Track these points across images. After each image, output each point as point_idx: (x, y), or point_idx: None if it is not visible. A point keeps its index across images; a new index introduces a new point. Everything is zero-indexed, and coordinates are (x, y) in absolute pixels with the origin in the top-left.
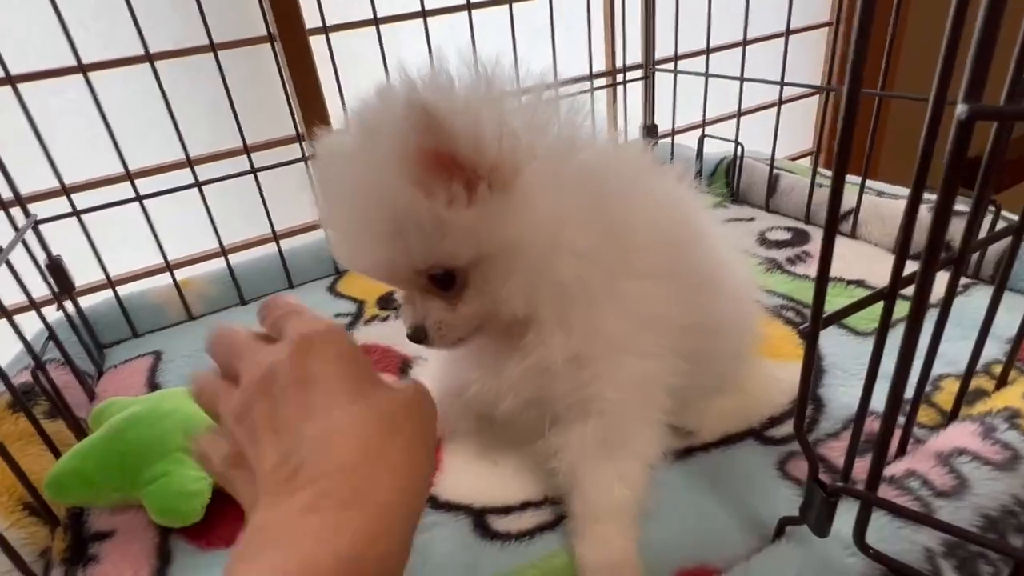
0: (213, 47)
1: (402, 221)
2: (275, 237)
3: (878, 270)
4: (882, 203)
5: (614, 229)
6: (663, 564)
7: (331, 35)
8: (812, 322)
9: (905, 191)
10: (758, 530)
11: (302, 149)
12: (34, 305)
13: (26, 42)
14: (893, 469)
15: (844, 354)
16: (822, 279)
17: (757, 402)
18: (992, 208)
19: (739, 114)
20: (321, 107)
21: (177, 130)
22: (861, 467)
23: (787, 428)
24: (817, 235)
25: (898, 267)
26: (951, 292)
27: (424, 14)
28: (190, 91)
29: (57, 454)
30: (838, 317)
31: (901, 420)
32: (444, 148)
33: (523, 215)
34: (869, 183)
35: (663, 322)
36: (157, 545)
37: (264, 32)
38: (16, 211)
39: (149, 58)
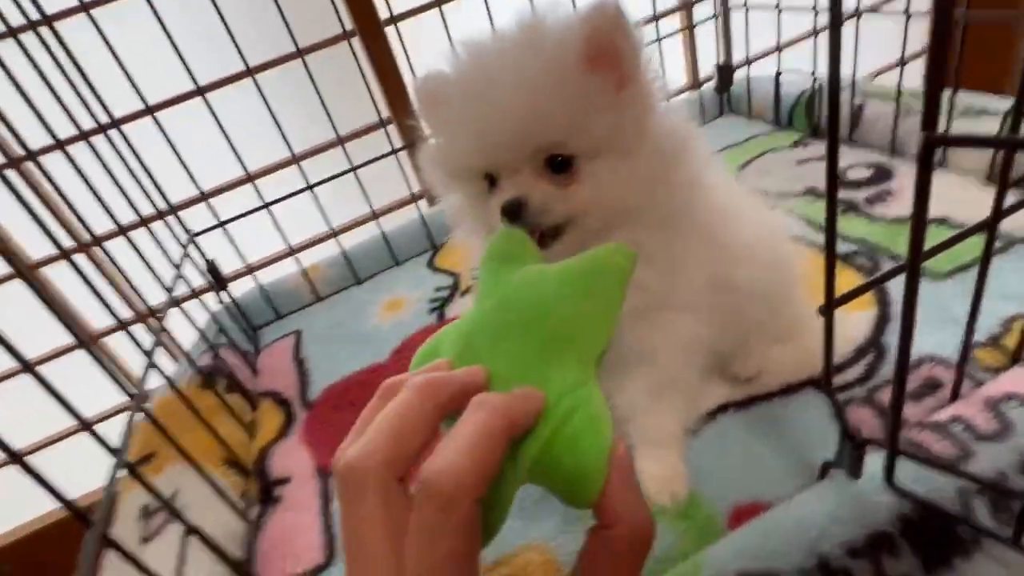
0: (299, 51)
1: (562, 94)
2: (375, 217)
3: (965, 202)
4: (978, 124)
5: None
6: (722, 500)
7: (399, 24)
8: (826, 302)
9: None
10: (808, 472)
11: (388, 135)
12: (203, 305)
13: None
14: (940, 414)
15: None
16: (831, 260)
17: (817, 352)
18: None
19: (815, 45)
20: (403, 93)
21: (282, 133)
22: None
23: (846, 377)
24: (903, 168)
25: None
26: (988, 250)
27: None
28: (282, 95)
29: (240, 421)
30: (859, 293)
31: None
32: (618, 44)
33: (656, 121)
34: (969, 100)
35: (696, 275)
36: (320, 489)
37: (340, 30)
38: (172, 221)
39: (250, 72)
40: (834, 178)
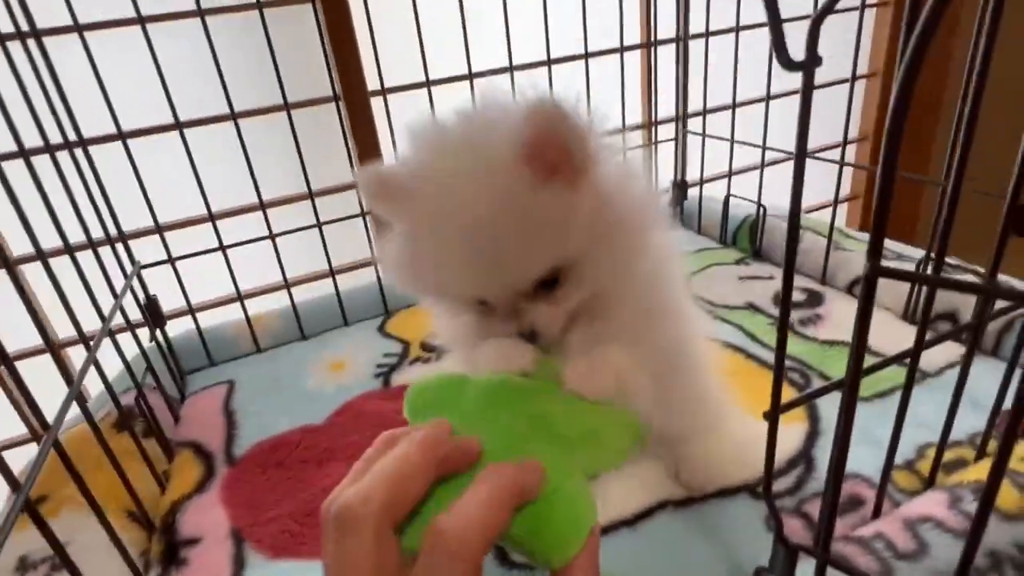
0: (287, 105)
1: (531, 218)
2: (332, 275)
3: (884, 335)
4: (899, 266)
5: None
6: None
7: (387, 96)
8: (772, 407)
9: (917, 252)
10: (742, 575)
11: (359, 197)
12: (136, 339)
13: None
14: (864, 530)
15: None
16: (779, 367)
17: (753, 460)
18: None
19: (761, 178)
20: (378, 158)
21: (253, 179)
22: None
23: (778, 486)
24: (831, 295)
25: (857, 365)
26: (910, 378)
27: (471, 76)
28: (261, 141)
29: (153, 469)
30: (799, 403)
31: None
32: (566, 147)
33: (620, 197)
34: (888, 245)
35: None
36: (234, 555)
37: (330, 93)
38: (120, 249)
39: (234, 117)
40: (788, 298)
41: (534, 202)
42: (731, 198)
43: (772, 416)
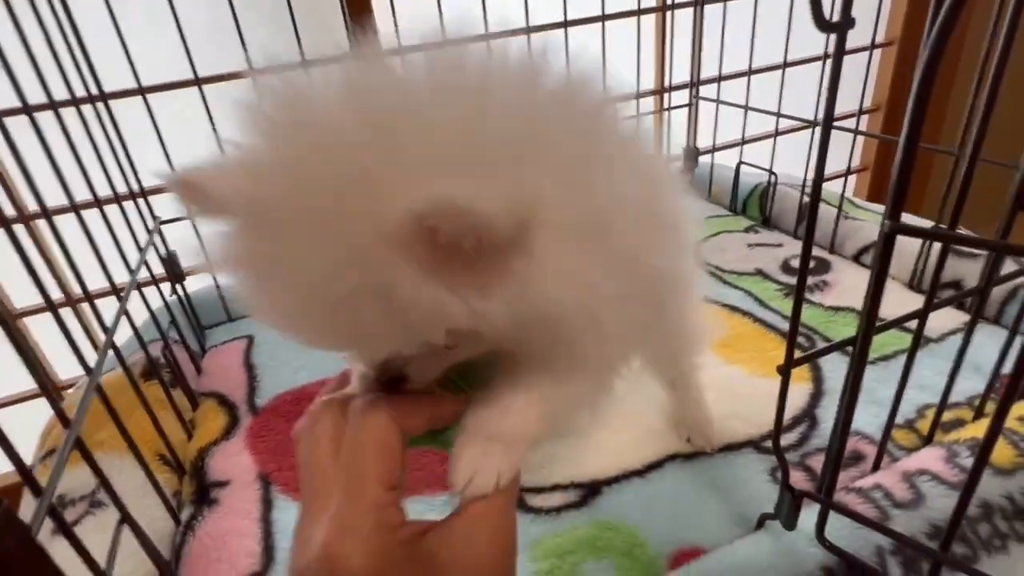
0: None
1: (396, 308)
2: None
3: (890, 303)
4: (902, 239)
5: None
6: (666, 544)
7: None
8: (785, 362)
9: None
10: (746, 523)
11: None
12: (160, 293)
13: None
14: (863, 482)
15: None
16: (795, 319)
17: (759, 417)
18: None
19: (774, 145)
20: None
21: None
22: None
23: (783, 441)
24: (839, 265)
25: (871, 319)
26: (917, 338)
27: (488, 37)
28: None
29: (180, 417)
30: (810, 358)
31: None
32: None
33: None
34: None
35: None
36: (262, 495)
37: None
38: (141, 204)
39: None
40: (808, 253)
41: (411, 292)
42: (742, 165)
43: (785, 370)
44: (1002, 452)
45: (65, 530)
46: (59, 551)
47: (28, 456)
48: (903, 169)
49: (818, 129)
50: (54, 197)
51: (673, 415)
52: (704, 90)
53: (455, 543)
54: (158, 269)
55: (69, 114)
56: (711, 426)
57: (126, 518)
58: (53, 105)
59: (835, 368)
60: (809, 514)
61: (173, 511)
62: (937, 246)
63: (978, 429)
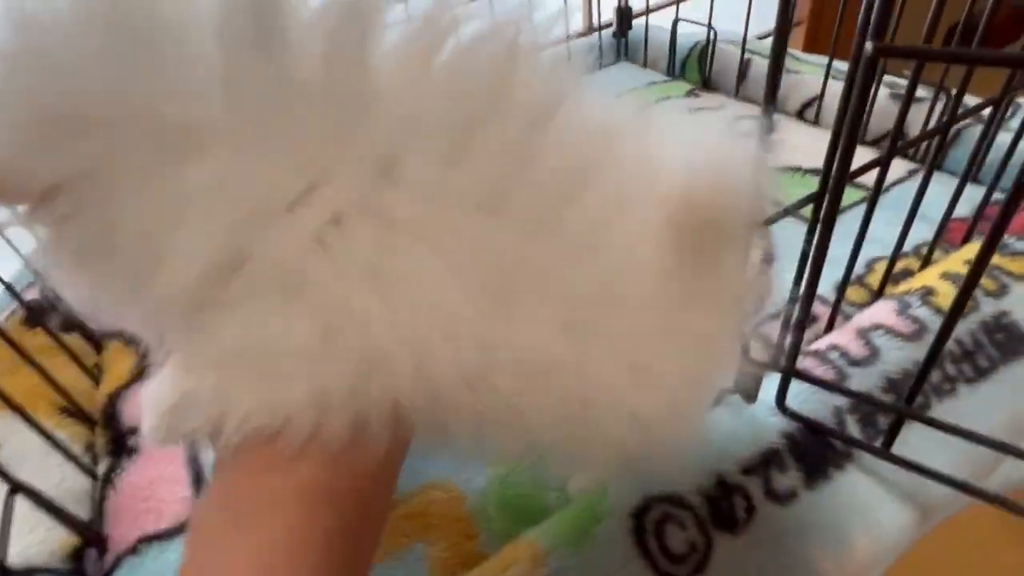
0: None
1: None
2: None
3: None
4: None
5: None
6: None
7: None
8: None
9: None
10: None
11: None
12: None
13: None
14: (820, 344)
15: (796, 241)
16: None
17: None
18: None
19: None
20: None
21: None
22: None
23: None
24: (784, 123)
25: (826, 176)
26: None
27: None
28: None
29: (80, 363)
30: (773, 220)
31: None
32: None
33: None
34: (837, 64)
35: None
36: None
37: None
38: None
39: None
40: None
41: None
42: (679, 22)
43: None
44: (949, 296)
45: None
46: None
47: None
48: None
49: None
50: None
51: None
52: None
53: None
54: None
55: None
56: None
57: (17, 487)
58: None
59: (785, 231)
60: (767, 384)
61: (86, 467)
62: (884, 92)
63: (927, 278)
